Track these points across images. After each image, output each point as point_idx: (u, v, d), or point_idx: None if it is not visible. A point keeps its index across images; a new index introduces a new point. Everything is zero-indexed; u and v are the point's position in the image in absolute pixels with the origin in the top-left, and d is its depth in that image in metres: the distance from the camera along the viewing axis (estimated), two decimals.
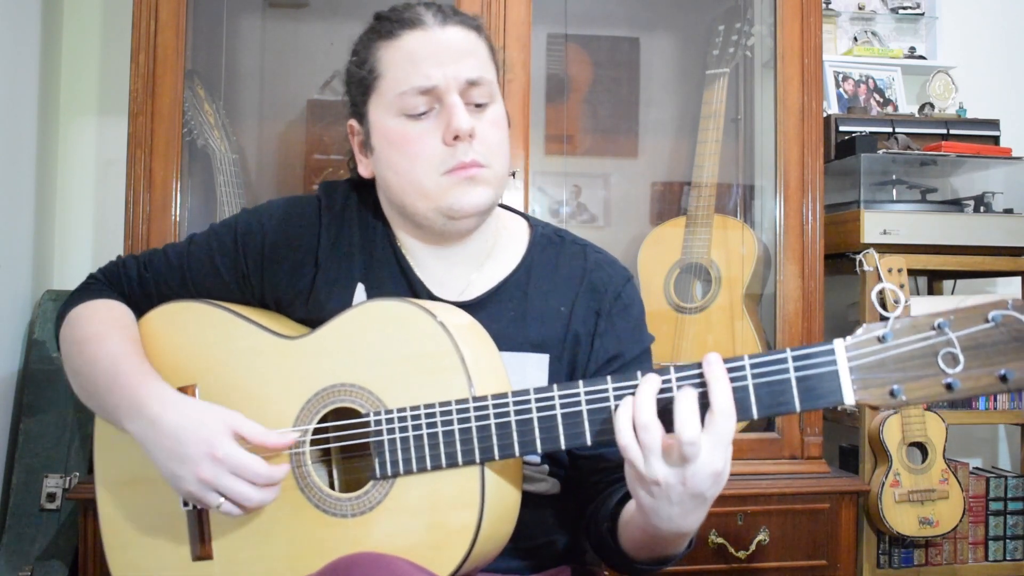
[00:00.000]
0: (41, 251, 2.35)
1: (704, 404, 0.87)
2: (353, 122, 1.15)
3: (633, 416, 0.87)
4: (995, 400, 2.45)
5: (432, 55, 1.05)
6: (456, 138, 1.05)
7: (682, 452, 0.85)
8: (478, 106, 1.08)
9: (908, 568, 2.36)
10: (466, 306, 1.12)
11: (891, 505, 2.23)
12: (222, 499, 0.99)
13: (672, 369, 0.90)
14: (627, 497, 1.02)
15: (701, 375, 0.89)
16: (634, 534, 1.00)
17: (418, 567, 0.92)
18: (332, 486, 1.07)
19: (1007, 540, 2.45)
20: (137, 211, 1.95)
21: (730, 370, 0.88)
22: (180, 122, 1.98)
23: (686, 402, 0.86)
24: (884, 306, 0.89)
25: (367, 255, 1.15)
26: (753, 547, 2.01)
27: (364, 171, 1.14)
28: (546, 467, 1.14)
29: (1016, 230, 2.38)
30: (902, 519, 2.23)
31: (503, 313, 1.13)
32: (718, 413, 0.86)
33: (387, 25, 1.08)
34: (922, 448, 2.27)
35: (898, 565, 2.35)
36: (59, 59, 2.44)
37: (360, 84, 1.10)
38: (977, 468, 2.59)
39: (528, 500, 1.10)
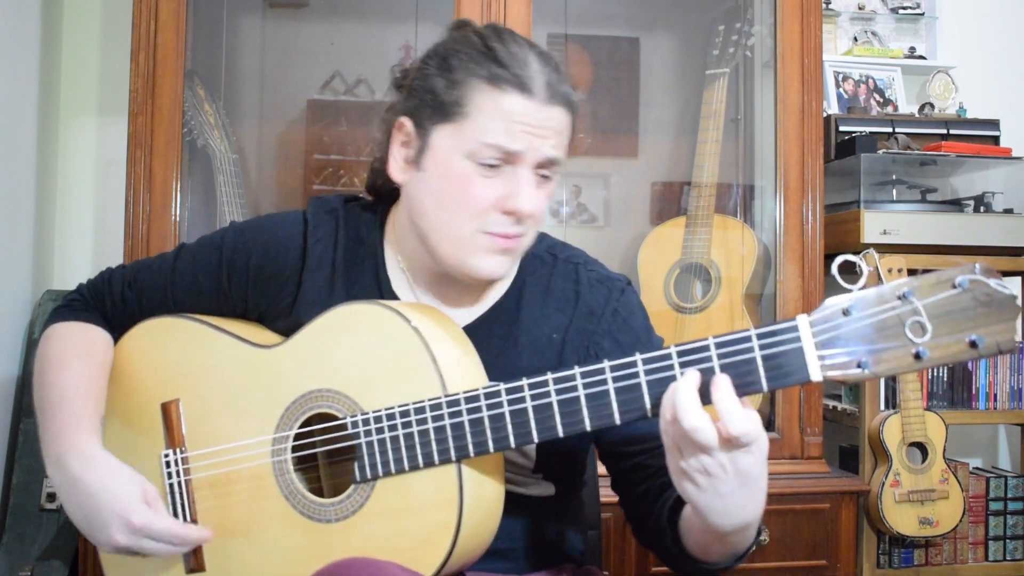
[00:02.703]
0: (41, 251, 2.35)
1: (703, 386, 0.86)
2: (405, 121, 1.08)
3: (678, 415, 0.85)
4: (995, 400, 2.45)
5: (527, 125, 1.02)
6: (513, 213, 1.03)
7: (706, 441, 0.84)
8: (543, 177, 1.06)
9: (908, 568, 2.36)
10: None
11: (891, 505, 2.23)
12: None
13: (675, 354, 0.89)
14: (678, 505, 1.00)
15: (700, 352, 0.88)
16: (699, 538, 0.99)
17: (407, 570, 0.93)
18: (321, 492, 1.08)
19: (1007, 540, 2.46)
20: (137, 211, 1.95)
21: (694, 351, 0.87)
22: (180, 122, 1.98)
23: (722, 391, 0.85)
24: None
25: (350, 278, 1.14)
26: (753, 547, 2.01)
27: (398, 175, 1.09)
28: (540, 474, 1.13)
29: (1016, 230, 2.38)
30: (902, 519, 2.23)
31: (492, 341, 1.11)
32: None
33: (497, 71, 1.02)
34: (922, 448, 2.27)
35: (898, 565, 2.35)
36: (59, 59, 2.44)
37: (439, 104, 1.04)
38: (977, 468, 2.59)
39: (523, 503, 1.10)
